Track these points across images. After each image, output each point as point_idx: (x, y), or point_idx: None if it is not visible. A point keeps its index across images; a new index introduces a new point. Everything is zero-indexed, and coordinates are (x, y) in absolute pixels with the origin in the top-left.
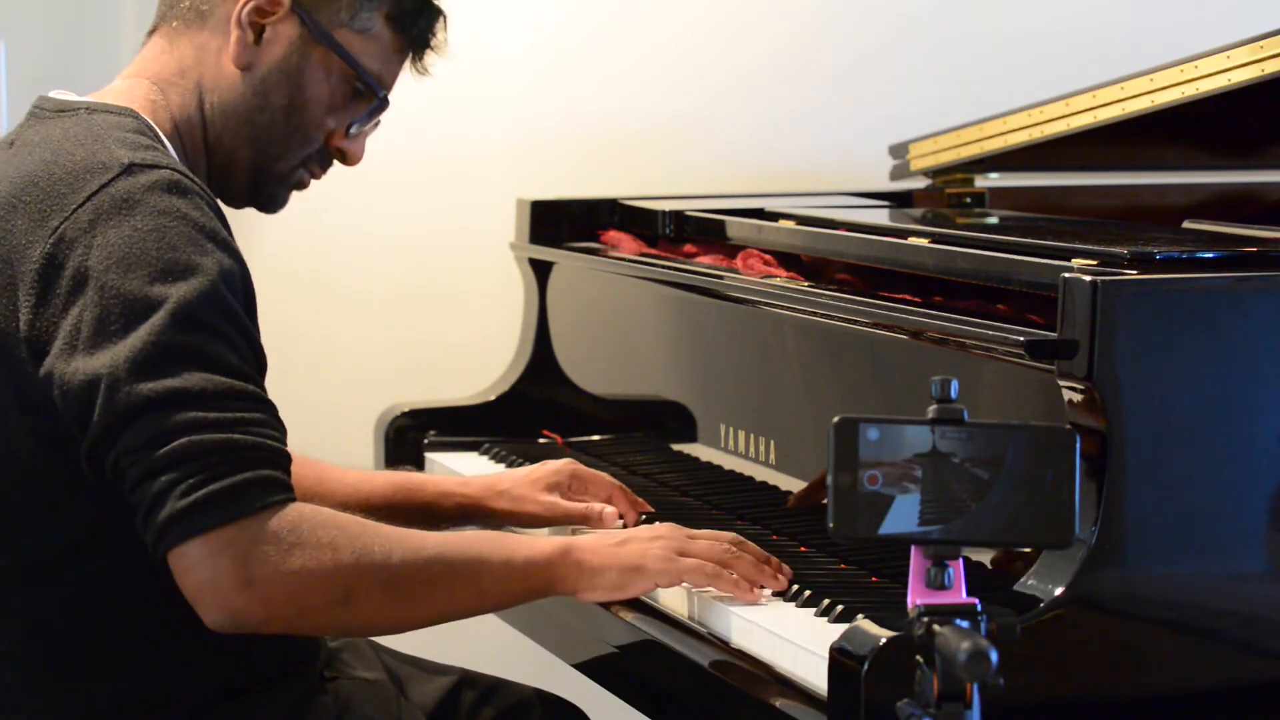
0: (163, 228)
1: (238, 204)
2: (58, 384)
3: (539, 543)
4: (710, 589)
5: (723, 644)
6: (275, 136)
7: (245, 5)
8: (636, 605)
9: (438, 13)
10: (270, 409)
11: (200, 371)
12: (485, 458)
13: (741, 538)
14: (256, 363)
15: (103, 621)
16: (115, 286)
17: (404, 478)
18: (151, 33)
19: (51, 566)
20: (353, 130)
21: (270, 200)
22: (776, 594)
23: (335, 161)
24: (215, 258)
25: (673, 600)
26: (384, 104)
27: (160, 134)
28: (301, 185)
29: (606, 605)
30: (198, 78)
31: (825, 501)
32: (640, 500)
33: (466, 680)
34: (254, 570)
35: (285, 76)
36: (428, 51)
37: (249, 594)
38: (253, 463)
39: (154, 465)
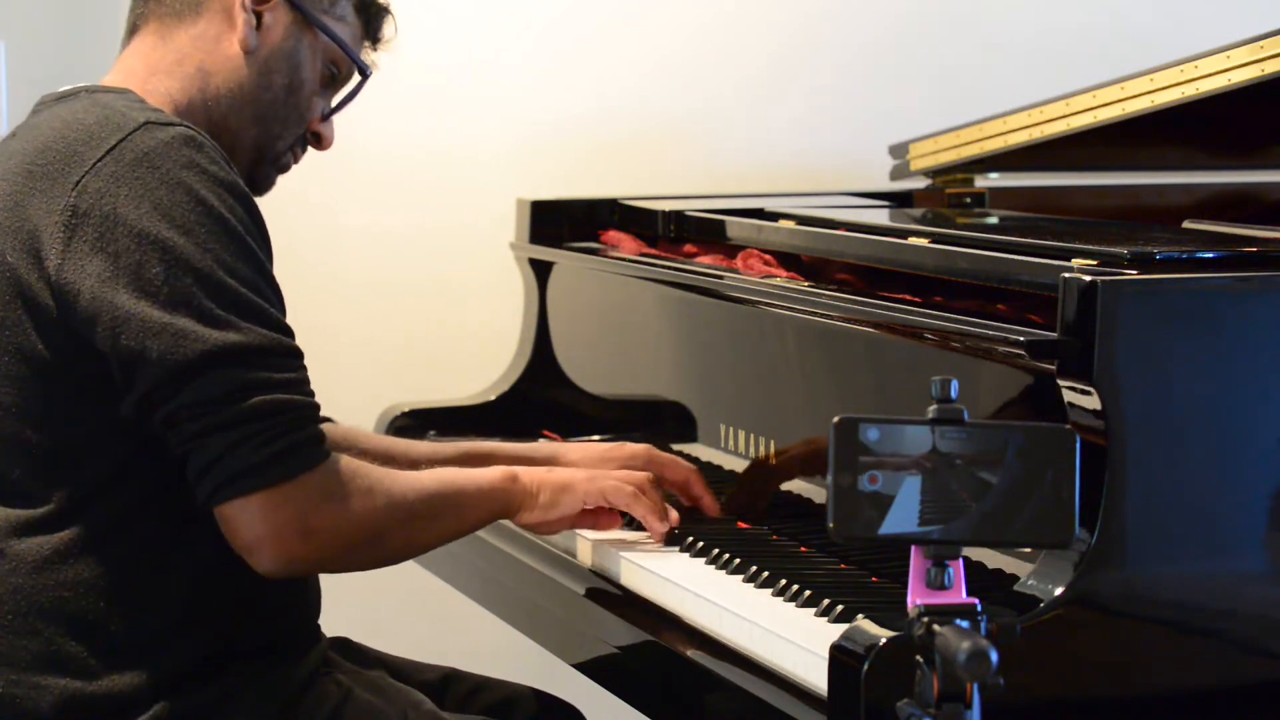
0: (188, 182)
1: None
2: (108, 324)
3: (490, 472)
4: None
5: (721, 643)
6: (277, 115)
7: None
8: (635, 604)
9: (385, 9)
10: (303, 363)
11: (258, 326)
12: None
13: (654, 478)
14: (282, 309)
15: (108, 570)
16: (151, 233)
17: (470, 445)
18: (132, 33)
19: (63, 514)
20: (329, 110)
21: (264, 181)
22: (777, 594)
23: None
24: (238, 213)
25: (666, 596)
26: (365, 81)
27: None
28: (285, 168)
29: (602, 603)
30: (199, 64)
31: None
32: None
33: (454, 677)
34: (313, 521)
35: (285, 58)
36: (379, 44)
37: (308, 542)
38: (308, 421)
39: (226, 419)
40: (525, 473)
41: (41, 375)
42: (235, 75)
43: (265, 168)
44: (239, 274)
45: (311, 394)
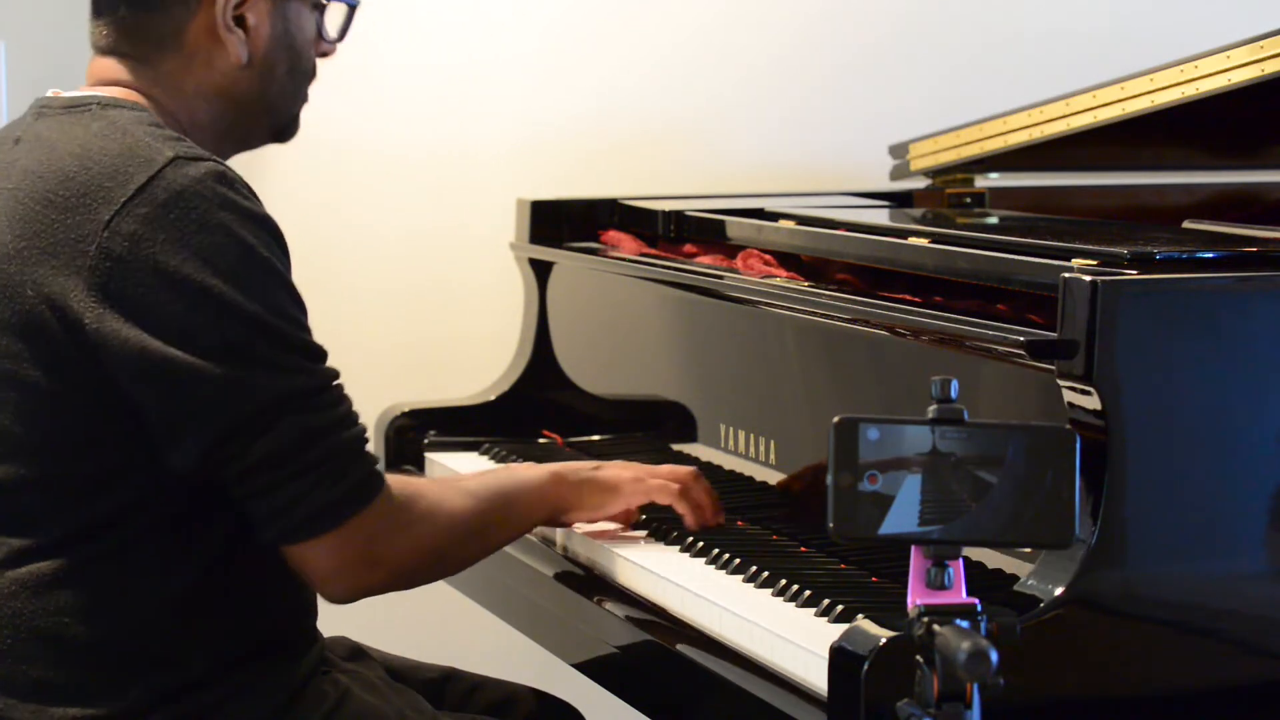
0: (225, 223)
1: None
2: (157, 380)
3: (538, 474)
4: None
5: (721, 643)
6: (287, 95)
7: (225, 12)
8: (634, 603)
9: None
10: (343, 385)
11: (308, 362)
12: (485, 458)
13: (699, 472)
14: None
15: (116, 587)
16: (196, 282)
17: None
18: (107, 54)
19: (62, 543)
20: (331, 41)
21: (292, 135)
22: (777, 594)
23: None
24: (272, 248)
25: (666, 595)
26: (354, 11)
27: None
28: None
29: (602, 602)
30: (195, 86)
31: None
32: None
33: (453, 676)
34: (380, 550)
35: (280, 46)
36: None
37: (374, 571)
38: (363, 454)
39: (296, 469)
40: (572, 473)
41: (52, 410)
42: (237, 86)
43: (291, 129)
44: (284, 312)
45: (359, 419)
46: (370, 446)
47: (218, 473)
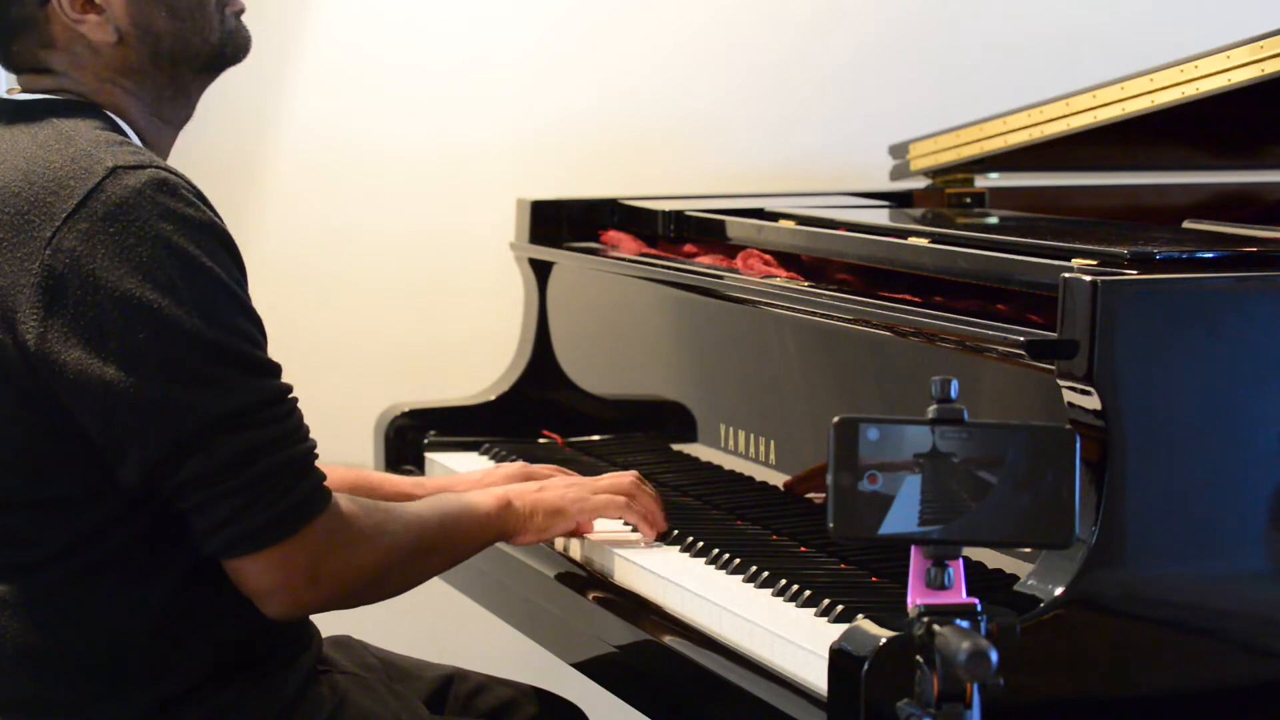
0: (164, 234)
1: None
2: (98, 400)
3: (485, 499)
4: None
5: (721, 643)
6: (189, 34)
7: (65, 10)
8: (634, 603)
9: None
10: (295, 399)
11: (251, 377)
12: (485, 458)
13: (641, 476)
14: (264, 339)
15: (100, 600)
16: (134, 297)
17: (359, 474)
18: (20, 72)
19: (49, 559)
20: None
21: (240, 52)
22: (777, 594)
23: None
24: (218, 256)
25: (666, 595)
26: None
27: (121, 125)
28: (240, 12)
29: (602, 603)
30: (97, 75)
31: (821, 498)
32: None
33: (457, 676)
34: (321, 568)
35: (144, 3)
36: None
37: (316, 588)
38: (309, 471)
39: (233, 486)
40: (519, 497)
41: (19, 432)
42: (129, 61)
43: (228, 49)
44: (226, 324)
45: (307, 434)
46: (369, 446)
47: (157, 488)
